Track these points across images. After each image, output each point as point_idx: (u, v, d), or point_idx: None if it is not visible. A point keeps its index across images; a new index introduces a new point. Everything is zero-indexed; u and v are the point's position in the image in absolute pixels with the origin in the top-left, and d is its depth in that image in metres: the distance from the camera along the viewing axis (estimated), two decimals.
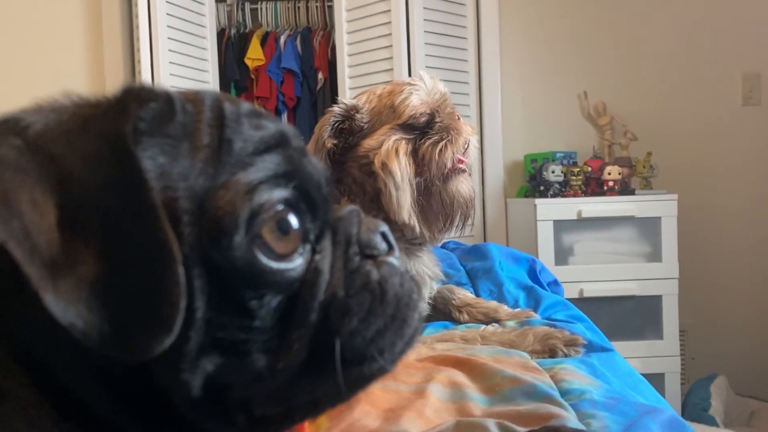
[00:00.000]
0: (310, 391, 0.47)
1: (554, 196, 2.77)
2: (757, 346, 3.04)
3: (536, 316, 1.30)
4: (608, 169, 2.75)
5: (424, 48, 2.95)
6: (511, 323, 1.25)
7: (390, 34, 2.93)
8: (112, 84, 3.17)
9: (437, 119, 1.23)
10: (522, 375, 0.92)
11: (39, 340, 0.40)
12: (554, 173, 2.78)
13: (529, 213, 2.75)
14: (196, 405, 0.43)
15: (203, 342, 0.42)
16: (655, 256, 2.72)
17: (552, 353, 1.08)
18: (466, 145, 1.25)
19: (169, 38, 2.97)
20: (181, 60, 3.03)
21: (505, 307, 1.33)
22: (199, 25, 3.16)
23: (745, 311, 3.06)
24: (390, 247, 0.53)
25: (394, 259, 0.53)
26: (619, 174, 2.74)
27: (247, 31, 3.79)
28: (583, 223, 2.72)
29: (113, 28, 3.20)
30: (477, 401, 0.88)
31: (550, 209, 2.71)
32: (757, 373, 2.99)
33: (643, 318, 2.74)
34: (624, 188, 2.74)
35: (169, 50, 2.97)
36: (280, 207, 0.45)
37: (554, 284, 1.67)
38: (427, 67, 2.95)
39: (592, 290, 2.68)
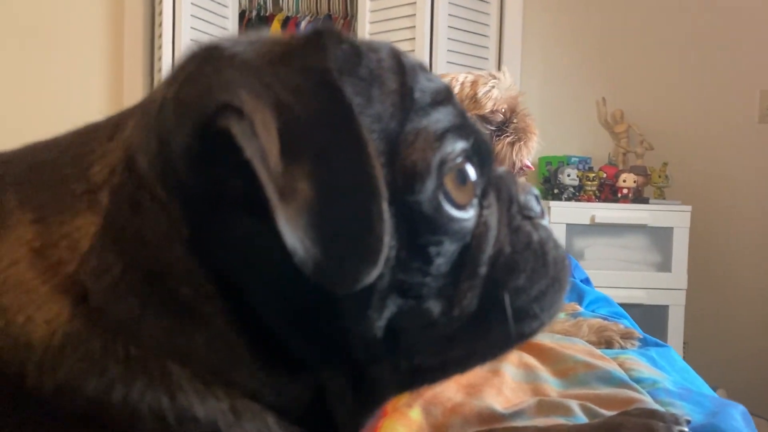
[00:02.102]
0: (470, 343, 0.48)
1: (568, 199, 2.77)
2: (757, 364, 3.06)
3: (582, 310, 1.30)
4: (623, 176, 2.76)
5: (446, 43, 2.95)
6: (560, 315, 1.25)
7: (414, 26, 2.93)
8: (131, 61, 3.16)
9: (514, 119, 1.24)
10: (594, 361, 0.92)
11: (239, 264, 0.40)
12: (570, 177, 2.79)
13: None
14: (372, 345, 0.44)
15: (391, 282, 0.42)
16: (664, 266, 2.73)
17: (608, 345, 1.08)
18: (534, 149, 1.26)
19: (192, 15, 2.96)
20: (203, 39, 3.00)
21: None
22: (221, 4, 3.14)
23: (749, 328, 3.09)
24: (542, 211, 0.54)
25: (547, 223, 0.53)
26: (634, 182, 2.75)
27: (267, 14, 3.78)
28: (595, 228, 2.73)
29: (135, 5, 3.17)
30: (551, 384, 0.88)
31: (563, 212, 2.72)
32: (755, 389, 3.01)
33: (648, 327, 2.72)
34: (637, 196, 2.76)
35: (191, 27, 2.96)
36: (461, 158, 0.46)
37: (587, 282, 1.67)
38: (448, 62, 2.95)
39: None
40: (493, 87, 1.22)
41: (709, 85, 3.09)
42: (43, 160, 0.44)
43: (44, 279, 0.38)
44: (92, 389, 0.36)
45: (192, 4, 2.94)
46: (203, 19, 3.02)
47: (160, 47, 3.00)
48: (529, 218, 0.51)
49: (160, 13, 2.96)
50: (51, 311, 0.37)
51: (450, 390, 0.81)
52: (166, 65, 2.94)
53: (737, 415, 0.78)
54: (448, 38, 2.96)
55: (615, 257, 2.77)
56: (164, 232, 0.39)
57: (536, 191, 0.54)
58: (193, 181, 0.39)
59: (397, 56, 0.47)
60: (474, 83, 1.23)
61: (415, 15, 2.93)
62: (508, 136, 1.22)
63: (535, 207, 0.52)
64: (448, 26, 2.95)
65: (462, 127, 0.47)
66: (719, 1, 3.09)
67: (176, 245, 0.39)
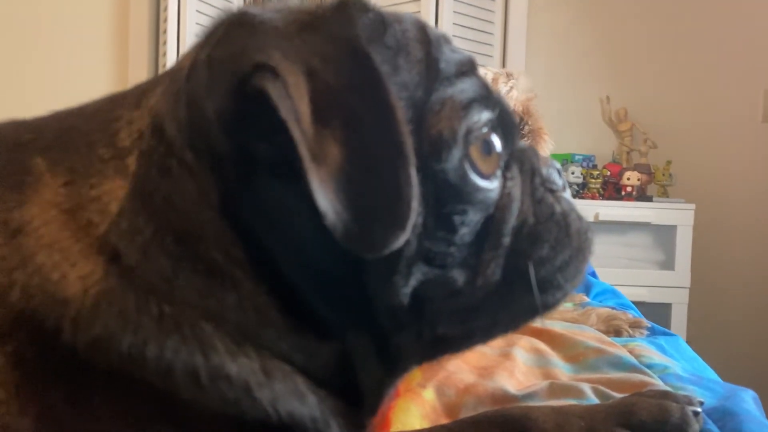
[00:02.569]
0: (493, 313, 0.48)
1: (572, 197, 2.75)
2: (760, 363, 3.06)
3: (589, 300, 1.30)
4: (628, 174, 2.77)
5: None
6: (568, 305, 1.25)
7: None
8: (136, 56, 3.16)
9: (528, 120, 1.24)
10: (604, 347, 0.92)
11: (268, 228, 0.40)
12: (574, 174, 2.80)
13: None
14: (397, 312, 0.44)
15: (417, 249, 0.43)
16: (668, 264, 2.73)
17: (617, 334, 1.08)
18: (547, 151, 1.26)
19: (197, 11, 2.96)
20: None
21: None
22: (227, 1, 3.15)
23: (752, 326, 3.08)
24: (564, 184, 0.54)
25: (569, 196, 0.54)
26: (638, 180, 2.75)
27: None
28: (599, 226, 2.72)
29: (141, 3, 3.18)
30: (562, 368, 0.88)
31: None
32: (758, 388, 2.99)
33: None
34: (641, 195, 2.76)
35: (197, 23, 2.96)
36: (486, 128, 0.46)
37: (592, 275, 1.67)
38: None
39: None
40: (512, 88, 1.22)
41: (713, 83, 3.09)
42: (71, 126, 0.45)
43: (76, 239, 0.39)
44: (126, 345, 0.36)
45: None
46: (208, 15, 3.02)
47: (164, 42, 3.00)
48: (552, 191, 0.52)
49: (165, 9, 2.96)
50: (85, 269, 0.38)
51: (462, 372, 0.81)
52: (170, 60, 2.94)
53: (748, 398, 0.79)
54: (453, 35, 2.96)
55: (618, 255, 2.77)
56: (193, 196, 0.40)
57: (558, 165, 0.54)
58: (224, 145, 0.39)
59: (422, 27, 0.48)
60: (493, 81, 1.23)
61: (419, 11, 2.93)
62: (523, 138, 1.22)
63: (558, 180, 0.53)
64: (453, 23, 2.96)
65: (487, 98, 0.47)
66: (723, 1, 3.10)
67: (205, 209, 0.40)
